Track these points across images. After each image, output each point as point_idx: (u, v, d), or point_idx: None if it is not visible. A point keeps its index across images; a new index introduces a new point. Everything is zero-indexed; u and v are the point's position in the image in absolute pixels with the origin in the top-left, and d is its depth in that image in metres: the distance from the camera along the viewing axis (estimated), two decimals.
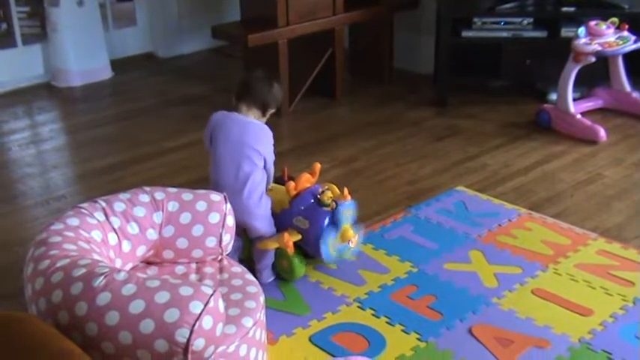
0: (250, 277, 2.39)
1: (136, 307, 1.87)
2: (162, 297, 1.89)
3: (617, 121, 4.36)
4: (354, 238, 2.82)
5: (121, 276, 1.93)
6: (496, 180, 3.69)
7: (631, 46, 4.06)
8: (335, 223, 2.75)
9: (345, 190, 2.87)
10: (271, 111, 2.82)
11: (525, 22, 4.37)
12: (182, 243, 2.38)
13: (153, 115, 4.70)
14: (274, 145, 2.83)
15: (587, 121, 4.12)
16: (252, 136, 2.72)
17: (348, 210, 2.77)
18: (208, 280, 2.33)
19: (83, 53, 5.16)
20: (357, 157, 4.00)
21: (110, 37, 5.50)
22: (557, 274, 2.86)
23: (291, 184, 2.83)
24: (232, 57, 5.45)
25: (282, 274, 2.85)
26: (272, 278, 2.86)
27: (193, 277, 2.37)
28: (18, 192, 3.73)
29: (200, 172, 3.63)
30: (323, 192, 2.80)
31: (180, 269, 2.40)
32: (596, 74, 4.42)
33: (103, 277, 1.93)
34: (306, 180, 2.90)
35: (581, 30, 4.07)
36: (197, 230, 2.38)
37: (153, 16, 5.74)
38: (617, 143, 4.06)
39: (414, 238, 3.14)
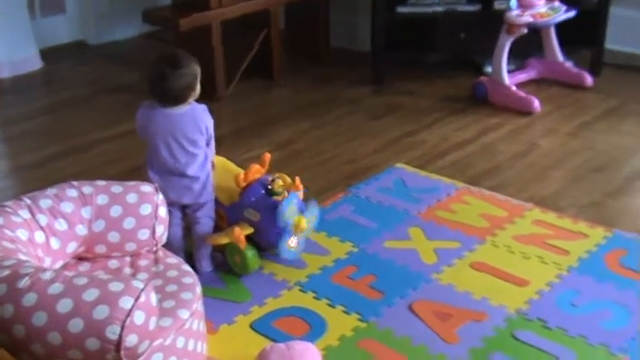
0: (186, 267, 2.34)
1: (64, 306, 1.82)
2: (91, 294, 1.84)
3: (551, 91, 4.41)
4: (310, 221, 2.74)
5: (47, 275, 1.88)
6: (435, 155, 3.70)
7: (562, 16, 4.10)
8: (284, 222, 2.66)
9: (297, 180, 2.83)
10: (192, 94, 2.63)
11: None
12: (114, 237, 2.33)
13: (85, 106, 4.58)
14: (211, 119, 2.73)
15: (521, 93, 4.16)
16: (189, 124, 2.62)
17: (290, 206, 2.67)
18: (142, 274, 2.28)
19: (9, 43, 4.97)
20: (295, 139, 3.96)
21: (38, 26, 5.32)
22: (495, 247, 2.88)
23: (240, 175, 2.76)
24: (165, 41, 5.34)
25: (235, 269, 2.77)
26: (211, 268, 2.81)
27: (127, 270, 2.31)
28: None
29: (134, 161, 3.56)
30: (273, 180, 2.74)
31: (113, 263, 2.35)
32: (529, 45, 4.45)
33: (27, 277, 1.87)
34: (256, 171, 2.83)
35: (513, 2, 4.09)
36: (128, 223, 2.33)
37: (82, 2, 5.58)
38: (551, 113, 4.11)
39: (354, 218, 3.13)
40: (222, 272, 2.79)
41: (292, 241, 2.69)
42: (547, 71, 4.52)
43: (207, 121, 2.68)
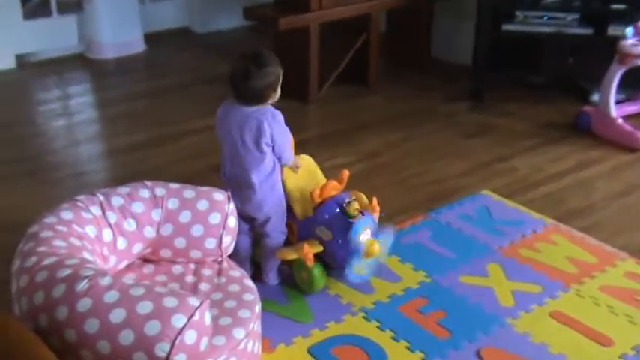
0: (249, 282, 2.29)
1: (117, 316, 1.79)
2: (145, 307, 1.80)
3: None
4: (383, 246, 2.63)
5: (106, 281, 1.85)
6: (525, 185, 3.52)
7: None
8: (355, 244, 2.57)
9: (374, 201, 2.73)
10: (271, 96, 2.54)
11: (570, 18, 4.15)
12: (180, 242, 2.29)
13: (181, 94, 4.62)
14: (286, 128, 2.59)
15: (628, 127, 3.91)
16: (254, 124, 2.52)
17: (363, 228, 2.58)
18: (204, 284, 2.23)
19: (117, 25, 5.09)
20: (381, 151, 3.86)
21: (146, 10, 5.42)
22: (579, 296, 2.70)
23: (316, 191, 2.67)
24: (265, 35, 5.32)
25: (301, 286, 2.70)
26: (277, 281, 2.75)
27: (190, 278, 2.27)
28: (41, 166, 3.67)
29: (218, 157, 3.53)
30: (349, 202, 2.63)
31: (177, 269, 2.31)
32: None
33: (86, 280, 1.84)
34: (333, 188, 2.72)
35: (629, 30, 3.85)
36: (196, 230, 2.29)
37: None
38: None
39: (431, 244, 3.01)
40: (288, 287, 2.73)
41: (362, 266, 2.59)
42: None
43: (275, 128, 2.52)
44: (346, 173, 2.76)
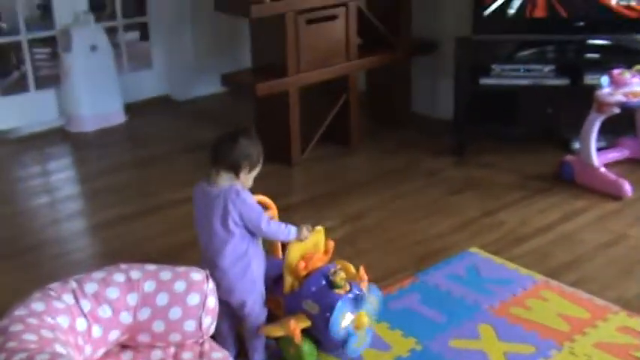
0: None
1: None
2: None
3: None
4: (372, 313, 2.58)
5: None
6: (512, 239, 3.48)
7: None
8: (354, 305, 2.52)
9: (361, 270, 2.66)
10: (246, 170, 2.51)
11: (546, 69, 4.16)
12: (158, 326, 2.22)
13: (162, 164, 4.58)
14: (253, 202, 2.52)
15: (611, 175, 3.89)
16: (219, 205, 2.47)
17: (342, 314, 2.50)
18: None
19: (96, 98, 5.07)
20: (367, 212, 3.81)
21: (125, 80, 5.40)
22: (573, 355, 2.63)
23: (302, 263, 2.60)
24: (245, 100, 5.33)
25: None
26: (264, 359, 2.67)
27: None
28: (18, 248, 3.60)
29: None
30: (335, 272, 2.57)
31: (156, 355, 2.24)
32: (622, 122, 4.18)
33: None
34: (318, 259, 2.66)
35: (604, 79, 3.86)
36: (174, 313, 2.22)
37: (169, 57, 5.65)
38: None
39: (420, 309, 2.94)
40: None
41: (359, 339, 2.52)
42: None
43: (240, 206, 2.46)
44: (331, 244, 2.70)
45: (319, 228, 2.69)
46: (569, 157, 4.08)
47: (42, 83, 5.21)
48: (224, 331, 2.63)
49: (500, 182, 4.09)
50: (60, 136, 5.05)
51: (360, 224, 3.71)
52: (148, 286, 2.23)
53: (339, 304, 2.48)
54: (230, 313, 2.63)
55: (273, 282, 2.70)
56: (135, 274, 2.25)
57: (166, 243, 3.55)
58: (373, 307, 2.58)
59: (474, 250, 3.38)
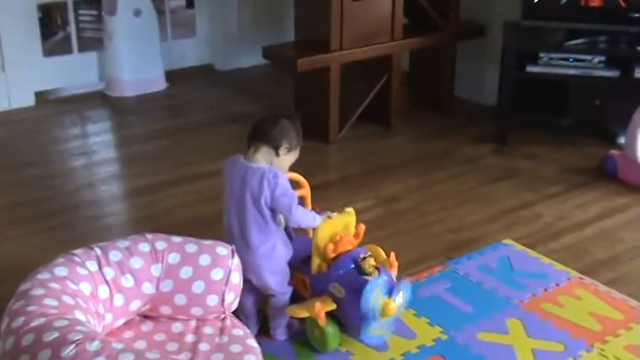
0: (252, 342, 2.19)
1: None
2: None
3: None
4: (399, 304, 2.49)
5: (93, 346, 1.76)
6: (549, 234, 3.38)
7: None
8: (384, 290, 2.45)
9: (392, 256, 2.61)
10: (285, 149, 2.49)
11: (596, 60, 4.02)
12: (180, 299, 2.20)
13: (201, 133, 4.56)
14: (288, 188, 2.47)
15: None
16: (254, 182, 2.45)
17: (375, 289, 2.44)
18: (204, 344, 2.13)
19: (138, 63, 5.06)
20: (401, 196, 3.74)
21: (168, 47, 5.39)
22: (603, 357, 2.55)
23: (330, 245, 2.55)
24: (287, 73, 5.27)
25: (313, 344, 2.57)
26: (286, 337, 2.64)
27: (190, 337, 2.18)
28: (54, 209, 3.61)
29: None
30: (364, 258, 2.50)
31: (177, 327, 2.22)
32: None
33: (74, 345, 1.75)
34: (348, 242, 2.60)
35: None
36: (197, 287, 2.20)
37: (213, 26, 5.61)
38: None
39: (448, 297, 2.88)
40: (297, 343, 2.61)
41: (378, 327, 2.47)
42: None
43: (274, 189, 2.42)
44: (363, 228, 2.65)
45: (350, 210, 2.63)
46: (613, 152, 3.96)
47: (85, 45, 5.20)
48: (247, 307, 2.61)
49: (540, 174, 3.99)
50: (100, 100, 5.06)
51: (394, 207, 3.64)
52: (173, 258, 2.21)
53: (370, 284, 2.42)
54: (254, 290, 2.60)
55: (302, 261, 2.66)
56: (160, 244, 2.23)
57: (198, 213, 3.53)
58: (402, 300, 2.52)
59: (507, 241, 3.29)
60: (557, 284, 2.97)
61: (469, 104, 4.91)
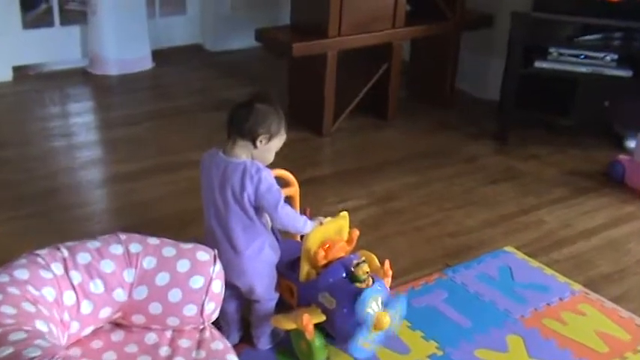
0: (233, 357, 1.99)
1: None
2: None
3: None
4: (394, 319, 2.29)
5: None
6: (552, 242, 3.19)
7: None
8: (362, 317, 2.23)
9: (386, 264, 2.41)
10: (264, 139, 2.24)
11: (609, 58, 3.82)
12: (155, 308, 1.99)
13: (186, 118, 4.33)
14: (272, 184, 2.24)
15: None
16: (236, 178, 2.22)
17: (373, 296, 2.24)
18: (179, 358, 1.93)
19: (123, 40, 4.81)
20: (397, 195, 3.54)
21: (155, 25, 5.14)
22: None
23: (321, 252, 2.34)
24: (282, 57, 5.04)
25: (299, 357, 2.38)
26: (270, 345, 2.44)
27: (164, 350, 1.97)
28: (28, 195, 3.38)
29: None
30: (358, 265, 2.30)
31: (150, 338, 2.01)
32: None
33: None
34: (341, 248, 2.39)
35: None
36: (174, 295, 1.99)
37: (204, 4, 5.37)
38: None
39: (445, 309, 2.69)
40: (281, 354, 2.42)
41: (369, 340, 2.27)
42: None
43: (257, 185, 2.20)
44: (356, 233, 2.44)
45: (344, 213, 2.43)
46: (621, 157, 3.76)
47: (68, 19, 4.94)
48: (229, 313, 2.41)
49: (543, 177, 3.79)
50: (82, 78, 4.82)
51: (388, 207, 3.44)
52: (148, 262, 2.00)
53: (366, 292, 2.22)
54: (237, 295, 2.39)
55: (288, 266, 2.45)
56: (134, 247, 2.02)
57: (180, 206, 3.32)
58: (397, 314, 2.32)
59: (509, 249, 3.10)
60: (561, 299, 2.78)
61: (471, 98, 4.70)
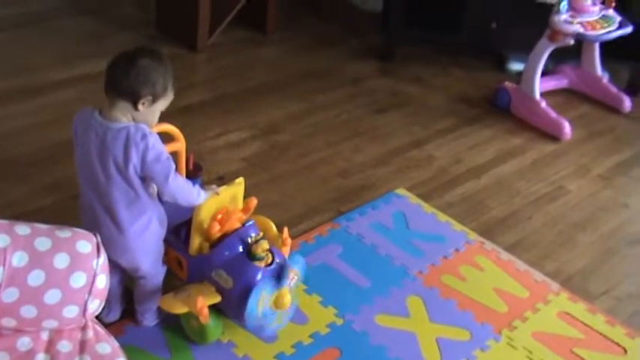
0: None
1: None
2: None
3: (583, 108, 3.80)
4: (290, 304, 2.12)
5: None
6: (444, 182, 3.10)
7: (614, 33, 3.43)
8: (275, 282, 2.06)
9: (285, 232, 2.21)
10: (147, 101, 1.92)
11: None
12: (29, 312, 1.70)
13: (46, 27, 3.83)
14: (162, 151, 1.94)
15: (552, 113, 3.54)
16: (118, 147, 1.91)
17: (260, 295, 2.04)
18: None
19: None
20: (281, 125, 3.31)
21: None
22: (512, 348, 2.33)
23: (216, 225, 2.09)
24: None
25: (191, 336, 2.17)
26: (156, 322, 2.22)
27: (41, 358, 1.70)
28: None
29: None
30: (257, 242, 2.09)
31: (24, 343, 1.72)
32: (565, 49, 3.79)
33: None
34: (237, 219, 2.14)
35: (564, 4, 3.41)
36: (52, 297, 1.70)
37: None
38: (583, 142, 3.51)
39: (341, 267, 2.54)
40: (169, 330, 2.20)
41: (275, 322, 2.09)
42: (581, 84, 3.89)
43: (146, 154, 1.90)
44: (254, 202, 2.19)
45: (240, 179, 2.17)
46: (507, 84, 3.68)
47: None
48: (111, 288, 2.10)
49: (428, 103, 3.66)
50: None
51: (274, 140, 3.21)
52: (18, 259, 1.68)
53: (257, 286, 2.02)
54: (119, 268, 2.12)
55: (175, 233, 2.19)
56: (2, 239, 1.68)
57: (46, 140, 2.96)
58: (296, 281, 2.14)
59: (401, 191, 2.98)
60: (457, 249, 2.71)
61: (352, 9, 4.42)
